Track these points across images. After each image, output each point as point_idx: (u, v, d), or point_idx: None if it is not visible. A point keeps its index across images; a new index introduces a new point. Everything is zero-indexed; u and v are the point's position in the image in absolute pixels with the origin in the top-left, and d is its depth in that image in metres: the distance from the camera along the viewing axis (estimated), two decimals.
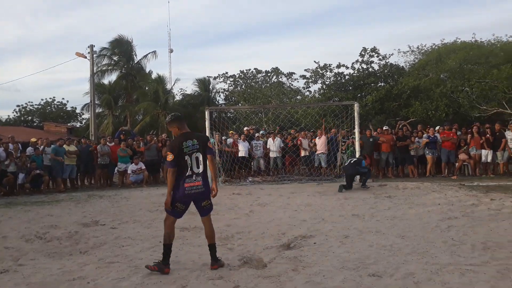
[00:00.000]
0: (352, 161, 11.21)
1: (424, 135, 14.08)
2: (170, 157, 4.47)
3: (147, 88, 32.33)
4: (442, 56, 25.81)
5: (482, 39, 26.75)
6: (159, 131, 27.07)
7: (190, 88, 51.32)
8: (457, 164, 13.71)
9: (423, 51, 29.00)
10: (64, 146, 13.33)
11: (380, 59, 24.39)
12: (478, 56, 23.92)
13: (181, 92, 34.91)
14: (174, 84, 34.53)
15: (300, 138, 14.56)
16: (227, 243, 5.72)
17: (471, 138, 13.59)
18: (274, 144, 14.34)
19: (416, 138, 14.13)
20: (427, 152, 13.73)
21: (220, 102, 33.28)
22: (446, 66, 24.35)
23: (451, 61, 24.20)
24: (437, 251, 4.95)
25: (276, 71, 31.29)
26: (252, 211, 8.10)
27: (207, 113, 13.44)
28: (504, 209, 7.34)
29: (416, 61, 28.82)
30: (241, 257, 4.97)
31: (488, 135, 13.41)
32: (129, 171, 13.67)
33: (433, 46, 28.28)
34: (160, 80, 31.97)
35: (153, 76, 33.31)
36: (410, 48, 29.65)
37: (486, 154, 13.32)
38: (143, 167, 13.77)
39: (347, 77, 24.58)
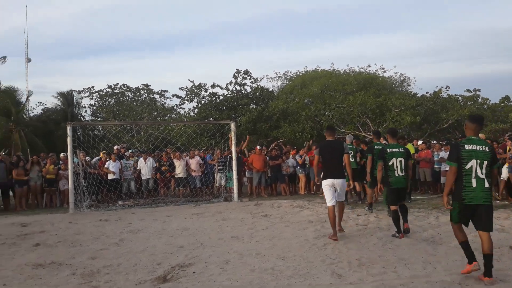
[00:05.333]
0: None
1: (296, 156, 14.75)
2: None
3: None
4: (306, 82, 28.07)
5: (339, 68, 29.92)
6: (12, 149, 23.48)
7: (51, 102, 46.35)
8: None
9: (289, 77, 31.20)
10: None
11: (252, 82, 25.30)
12: (336, 83, 26.58)
13: (40, 106, 31.06)
14: (29, 97, 30.33)
15: (174, 158, 13.93)
16: (92, 280, 4.91)
17: None
18: (146, 165, 13.45)
19: (286, 159, 14.73)
20: (300, 171, 14.41)
21: (87, 118, 30.57)
22: (310, 92, 26.52)
23: (314, 88, 26.46)
24: (317, 271, 4.96)
25: (147, 88, 30.00)
26: (122, 240, 7.27)
27: (69, 129, 11.95)
28: (369, 224, 7.89)
29: (283, 86, 30.80)
30: None
31: None
32: None
33: (297, 73, 30.66)
34: (9, 91, 27.93)
35: (2, 87, 28.96)
36: (276, 74, 31.64)
37: None
38: None
39: (221, 97, 24.89)
